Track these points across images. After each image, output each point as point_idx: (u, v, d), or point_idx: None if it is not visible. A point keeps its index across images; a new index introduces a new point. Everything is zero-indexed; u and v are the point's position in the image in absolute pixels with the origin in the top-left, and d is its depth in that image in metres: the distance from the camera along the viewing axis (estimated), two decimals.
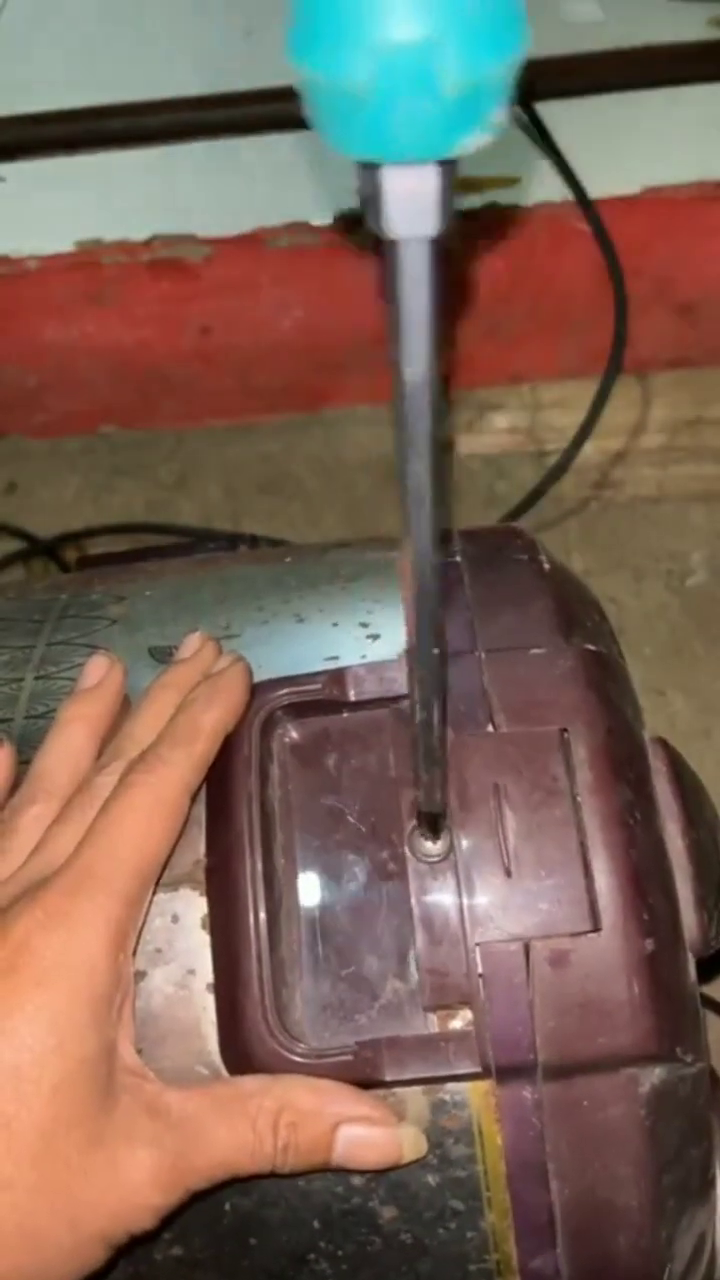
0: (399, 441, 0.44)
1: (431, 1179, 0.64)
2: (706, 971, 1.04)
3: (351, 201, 1.33)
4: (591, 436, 1.39)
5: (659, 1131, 0.64)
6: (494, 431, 1.55)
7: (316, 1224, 0.64)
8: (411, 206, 0.35)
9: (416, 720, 0.57)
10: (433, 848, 0.65)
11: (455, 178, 0.35)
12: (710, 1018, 1.11)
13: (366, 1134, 0.61)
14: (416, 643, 0.52)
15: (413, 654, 0.53)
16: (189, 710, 0.69)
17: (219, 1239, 0.65)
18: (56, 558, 1.49)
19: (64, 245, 1.39)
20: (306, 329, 1.47)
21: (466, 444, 1.54)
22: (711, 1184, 0.70)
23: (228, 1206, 0.64)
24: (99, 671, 0.73)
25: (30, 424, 1.59)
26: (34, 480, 1.57)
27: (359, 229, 1.37)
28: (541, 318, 1.49)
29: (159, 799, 0.64)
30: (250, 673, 0.72)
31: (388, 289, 0.39)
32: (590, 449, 1.43)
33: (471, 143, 0.33)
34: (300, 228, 1.37)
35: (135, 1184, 0.57)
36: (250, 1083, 0.62)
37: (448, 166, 0.35)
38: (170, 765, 0.65)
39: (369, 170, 0.35)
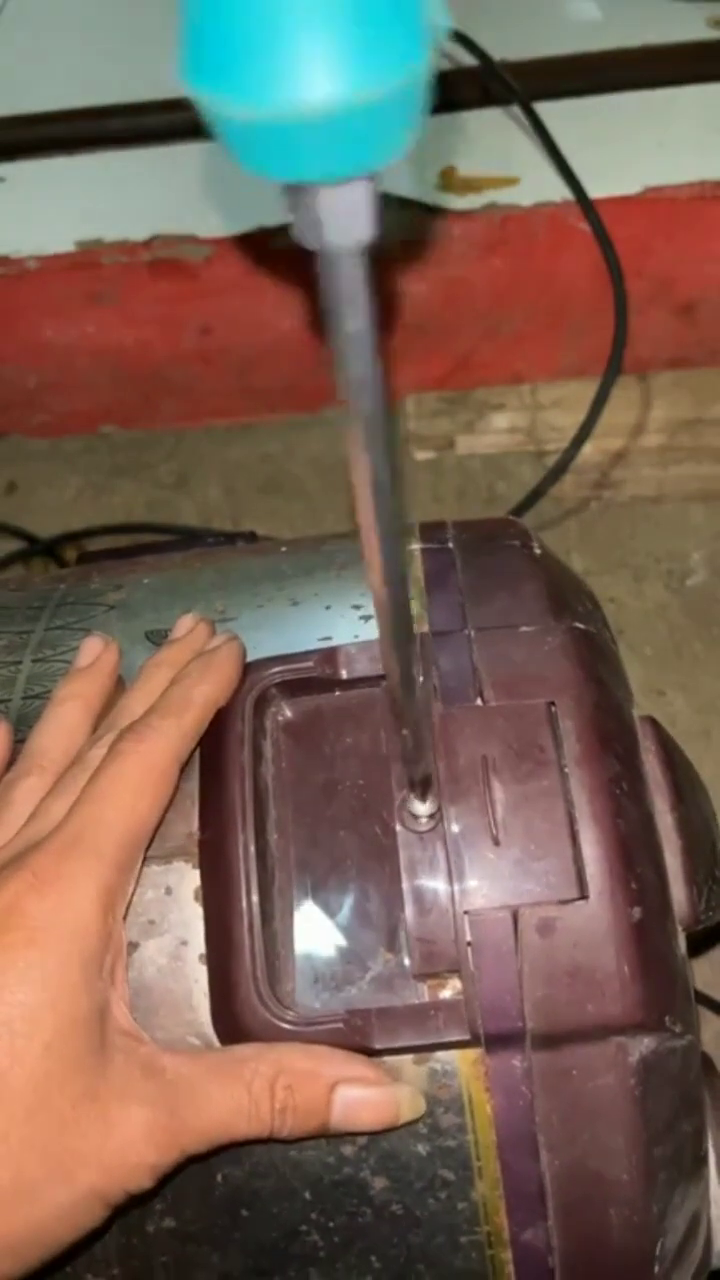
0: (353, 439, 0.44)
1: (422, 1148, 0.64)
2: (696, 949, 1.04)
3: None
4: (591, 436, 1.39)
5: (649, 1103, 0.64)
6: (494, 431, 1.55)
7: (308, 1195, 0.64)
8: (345, 220, 0.35)
9: (390, 681, 0.57)
10: (421, 808, 0.65)
11: (380, 183, 0.35)
12: (709, 1016, 1.11)
13: (363, 1094, 0.62)
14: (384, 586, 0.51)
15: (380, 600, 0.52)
16: (181, 683, 0.70)
17: (211, 1210, 0.65)
18: (56, 557, 1.49)
19: (64, 245, 1.39)
20: (306, 329, 1.47)
21: (466, 444, 1.54)
22: (704, 1161, 0.70)
23: (220, 1177, 0.65)
24: (93, 651, 0.74)
25: (30, 424, 1.59)
26: (34, 480, 1.57)
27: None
28: (541, 318, 1.50)
29: (148, 767, 0.64)
30: (243, 650, 0.73)
31: (327, 299, 0.39)
32: (590, 449, 1.43)
33: (399, 151, 0.33)
34: None
35: (129, 1139, 0.57)
36: (246, 1049, 0.62)
37: (375, 176, 0.34)
38: (160, 734, 0.66)
39: (297, 189, 0.35)
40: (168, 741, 0.66)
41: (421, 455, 1.53)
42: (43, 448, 1.60)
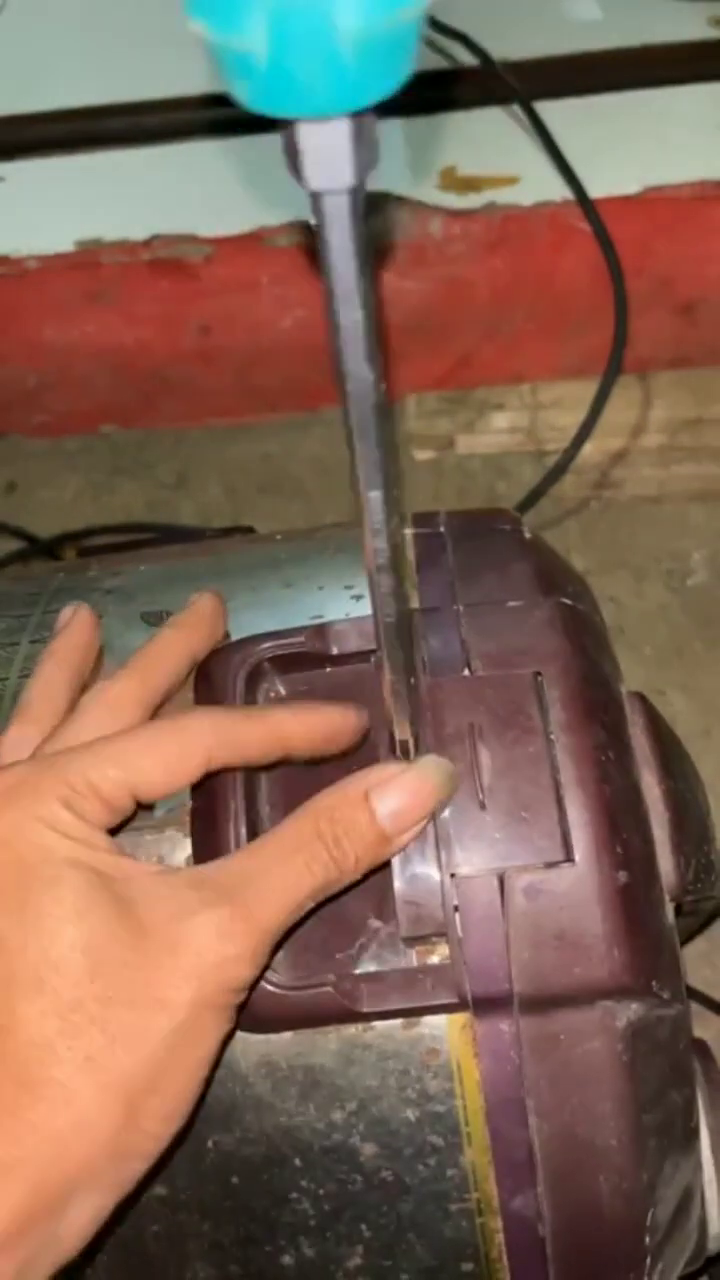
0: (342, 391, 0.45)
1: (411, 1114, 0.64)
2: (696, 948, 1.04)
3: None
4: (592, 436, 1.39)
5: (637, 1069, 0.64)
6: (494, 431, 1.55)
7: (298, 1162, 0.65)
8: (326, 159, 0.36)
9: (382, 643, 0.58)
10: None
11: (373, 127, 0.36)
12: (709, 1016, 1.11)
13: (395, 788, 0.63)
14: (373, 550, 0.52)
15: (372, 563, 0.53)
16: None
17: (202, 1178, 0.65)
18: (56, 557, 1.49)
19: (64, 245, 1.39)
20: (306, 329, 1.47)
21: (466, 444, 1.54)
22: (695, 1134, 0.70)
23: (210, 1144, 0.65)
24: (64, 618, 0.76)
25: (30, 424, 1.59)
26: (34, 480, 1.57)
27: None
28: (541, 318, 1.50)
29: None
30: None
31: (319, 244, 0.39)
32: (590, 449, 1.43)
33: (379, 93, 0.34)
34: (300, 227, 1.37)
35: (203, 944, 0.58)
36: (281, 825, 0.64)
37: (361, 117, 0.35)
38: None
39: (285, 124, 0.36)
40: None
41: (421, 455, 1.53)
42: (43, 447, 1.60)
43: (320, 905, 0.63)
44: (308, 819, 0.62)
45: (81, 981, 0.56)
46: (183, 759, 0.64)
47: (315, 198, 0.38)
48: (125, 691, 0.68)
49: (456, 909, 0.64)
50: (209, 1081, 0.61)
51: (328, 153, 0.36)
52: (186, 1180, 0.65)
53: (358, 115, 0.35)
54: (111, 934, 0.58)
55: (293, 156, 0.36)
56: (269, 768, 0.69)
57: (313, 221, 0.39)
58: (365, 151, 0.36)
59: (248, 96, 0.34)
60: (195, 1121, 0.62)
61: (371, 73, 0.33)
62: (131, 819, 0.64)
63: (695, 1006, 1.09)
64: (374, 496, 0.49)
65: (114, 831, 0.63)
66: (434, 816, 0.64)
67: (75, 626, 0.75)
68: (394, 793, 0.63)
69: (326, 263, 0.40)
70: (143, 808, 0.65)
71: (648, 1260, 0.66)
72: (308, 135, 0.35)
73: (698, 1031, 0.75)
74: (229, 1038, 0.62)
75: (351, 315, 0.41)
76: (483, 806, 0.65)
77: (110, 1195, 0.58)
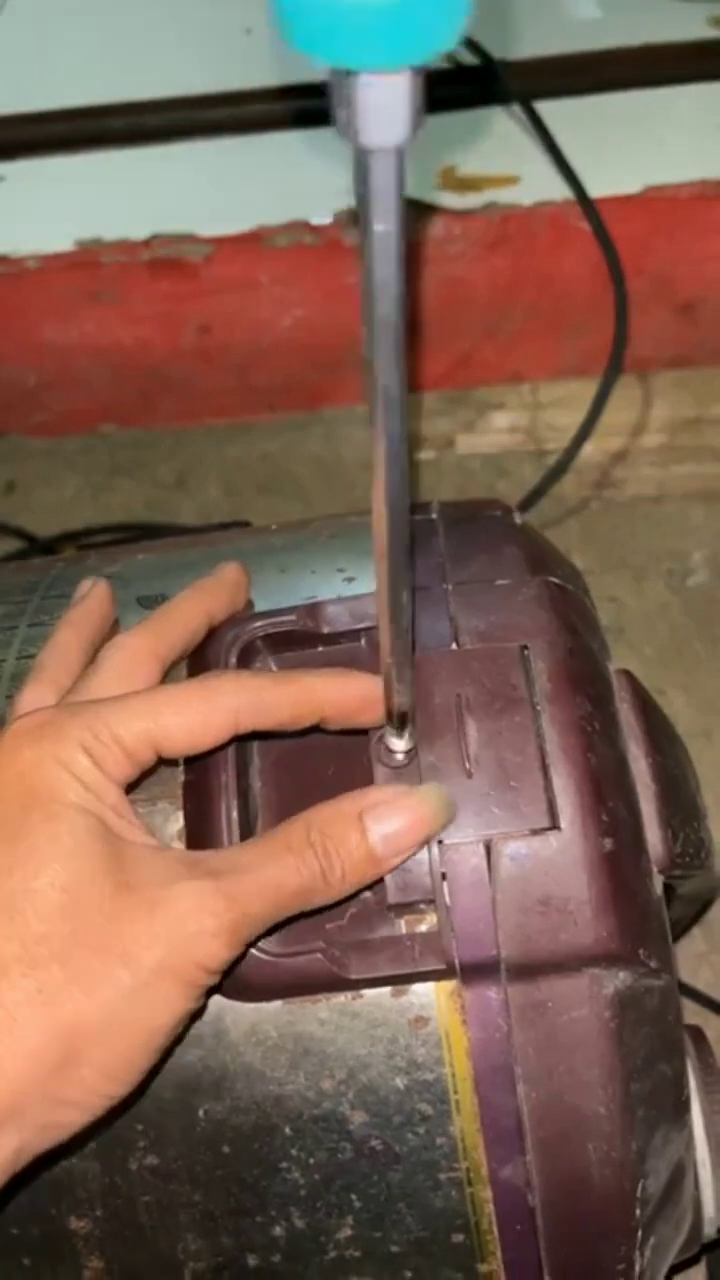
0: (369, 346, 0.45)
1: (400, 1082, 0.65)
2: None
3: (351, 200, 1.34)
4: (592, 436, 1.39)
5: (625, 1037, 0.65)
6: (494, 431, 1.55)
7: (288, 1130, 0.65)
8: (384, 115, 0.36)
9: (384, 611, 0.59)
10: (399, 744, 0.66)
11: (423, 85, 0.36)
12: (709, 1016, 1.11)
13: (390, 812, 0.64)
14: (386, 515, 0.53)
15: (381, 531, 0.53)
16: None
17: (193, 1147, 0.66)
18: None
19: (64, 244, 1.40)
20: (306, 328, 1.47)
21: (466, 443, 1.54)
22: (686, 1108, 0.70)
23: (201, 1113, 0.65)
24: (83, 589, 0.78)
25: (30, 423, 1.59)
26: (34, 480, 1.57)
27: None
28: (541, 317, 1.50)
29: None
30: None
31: (358, 203, 0.39)
32: (591, 448, 1.44)
33: (441, 45, 0.34)
34: (300, 227, 1.38)
35: (182, 912, 0.59)
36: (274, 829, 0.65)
37: (419, 72, 0.35)
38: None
39: (341, 79, 0.36)
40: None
41: (421, 455, 1.53)
42: (42, 447, 1.60)
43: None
44: (301, 827, 0.63)
45: (52, 917, 0.58)
46: (209, 718, 0.65)
47: (363, 156, 0.38)
48: (141, 645, 0.69)
49: (444, 876, 0.64)
50: (165, 1056, 0.61)
51: (386, 108, 0.36)
52: (178, 1150, 0.66)
53: (416, 70, 0.35)
54: (95, 882, 0.58)
55: (346, 113, 0.37)
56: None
57: (357, 183, 0.39)
58: (417, 111, 0.36)
59: (317, 48, 0.34)
60: (142, 1094, 0.64)
61: (437, 23, 0.33)
62: (152, 772, 0.66)
63: (696, 1007, 1.09)
64: (388, 447, 0.49)
65: (134, 786, 0.65)
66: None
67: (93, 597, 0.76)
68: (390, 816, 0.64)
69: (368, 223, 0.40)
70: (168, 763, 0.67)
71: (639, 1233, 0.67)
72: (367, 89, 0.35)
73: None
74: (193, 1021, 0.63)
75: (387, 269, 0.42)
76: (469, 775, 0.66)
77: (37, 1138, 0.58)
